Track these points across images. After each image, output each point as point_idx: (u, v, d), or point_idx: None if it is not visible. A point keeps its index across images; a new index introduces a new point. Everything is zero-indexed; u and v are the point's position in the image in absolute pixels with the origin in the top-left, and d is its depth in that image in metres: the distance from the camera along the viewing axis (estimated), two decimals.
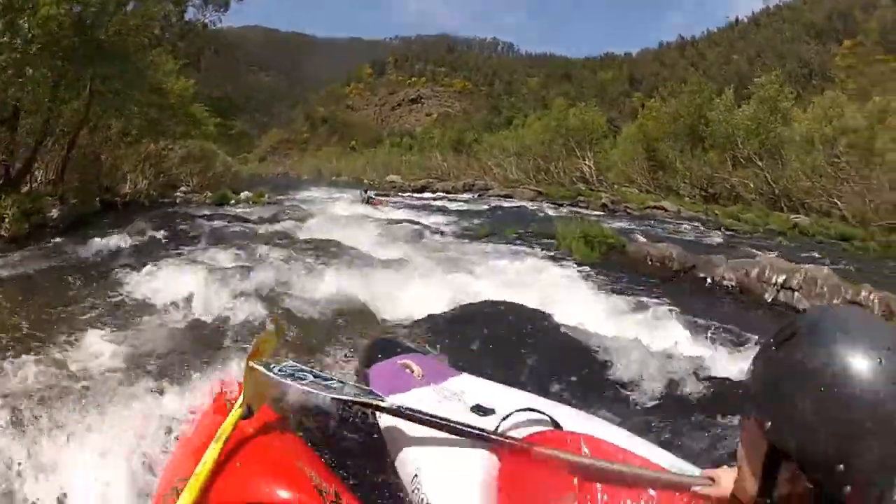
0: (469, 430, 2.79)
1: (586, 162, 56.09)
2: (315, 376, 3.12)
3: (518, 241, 16.09)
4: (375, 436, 3.36)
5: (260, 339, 3.32)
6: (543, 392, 4.17)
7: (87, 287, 8.48)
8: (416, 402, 3.20)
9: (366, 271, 9.60)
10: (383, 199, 35.05)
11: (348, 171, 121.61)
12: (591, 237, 13.60)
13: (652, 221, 27.92)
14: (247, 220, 19.63)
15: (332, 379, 3.17)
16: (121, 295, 8.06)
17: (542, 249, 14.22)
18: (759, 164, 38.71)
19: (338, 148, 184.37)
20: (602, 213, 31.84)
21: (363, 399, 2.99)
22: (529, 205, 35.69)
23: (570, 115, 61.18)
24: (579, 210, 32.29)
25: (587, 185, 52.63)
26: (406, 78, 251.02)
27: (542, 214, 28.35)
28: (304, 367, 3.20)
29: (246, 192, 33.37)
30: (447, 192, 53.22)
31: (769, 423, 1.18)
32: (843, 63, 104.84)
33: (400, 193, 49.90)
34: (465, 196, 47.38)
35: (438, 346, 5.92)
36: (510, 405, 3.09)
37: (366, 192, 36.84)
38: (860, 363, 1.09)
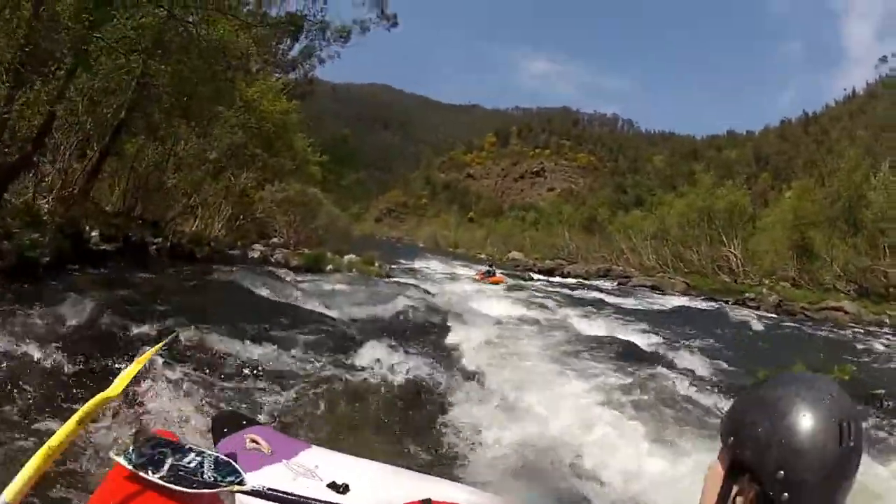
0: None
1: (732, 250, 52.10)
2: (174, 452, 2.62)
3: None
4: None
5: (97, 400, 2.70)
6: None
7: None
8: (270, 480, 2.75)
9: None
10: (502, 276, 34.05)
11: (466, 243, 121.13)
12: None
13: (844, 331, 24.25)
14: (338, 307, 14.30)
15: (192, 452, 2.65)
16: None
17: None
18: None
19: (456, 217, 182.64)
20: (775, 315, 29.29)
21: (223, 488, 2.51)
22: (691, 303, 32.29)
23: (718, 194, 57.65)
24: (748, 310, 29.94)
25: (732, 277, 49.59)
26: (529, 149, 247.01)
27: (734, 322, 24.49)
28: (162, 441, 2.69)
29: (351, 256, 27.85)
30: (580, 278, 50.45)
31: (732, 439, 1.42)
32: None
33: (526, 273, 46.95)
34: (604, 284, 43.93)
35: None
36: (368, 479, 3.10)
37: (491, 266, 36.64)
38: (807, 400, 1.35)
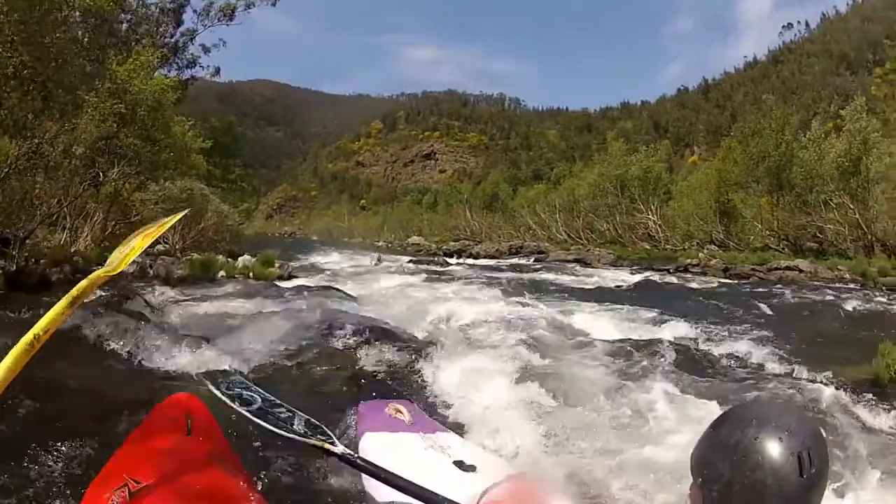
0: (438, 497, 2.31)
1: (651, 216, 50.37)
2: (264, 400, 2.84)
3: None
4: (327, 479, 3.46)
5: (93, 277, 2.50)
6: None
7: None
8: (402, 446, 3.30)
9: None
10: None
11: (362, 232, 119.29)
12: None
13: (811, 291, 21.59)
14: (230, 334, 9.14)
15: (282, 406, 2.83)
16: None
17: None
18: (851, 206, 35.56)
19: (348, 206, 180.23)
20: (729, 279, 27.37)
21: (312, 441, 2.59)
22: (634, 275, 28.98)
23: (632, 161, 56.16)
24: (700, 277, 28.20)
25: (652, 244, 48.22)
26: (419, 133, 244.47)
27: (703, 291, 21.42)
28: (253, 387, 2.96)
29: (246, 258, 22.62)
30: (492, 257, 47.70)
31: (700, 479, 1.51)
32: (880, 92, 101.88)
33: (440, 258, 42.15)
34: (523, 262, 41.00)
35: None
36: (494, 465, 3.24)
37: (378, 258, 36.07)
38: (764, 440, 1.42)
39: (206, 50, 40.36)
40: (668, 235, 48.35)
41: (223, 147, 43.50)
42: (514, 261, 41.98)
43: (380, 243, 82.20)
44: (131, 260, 2.77)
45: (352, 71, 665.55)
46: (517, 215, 72.43)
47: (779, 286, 23.13)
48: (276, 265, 22.20)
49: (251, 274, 19.91)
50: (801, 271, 27.87)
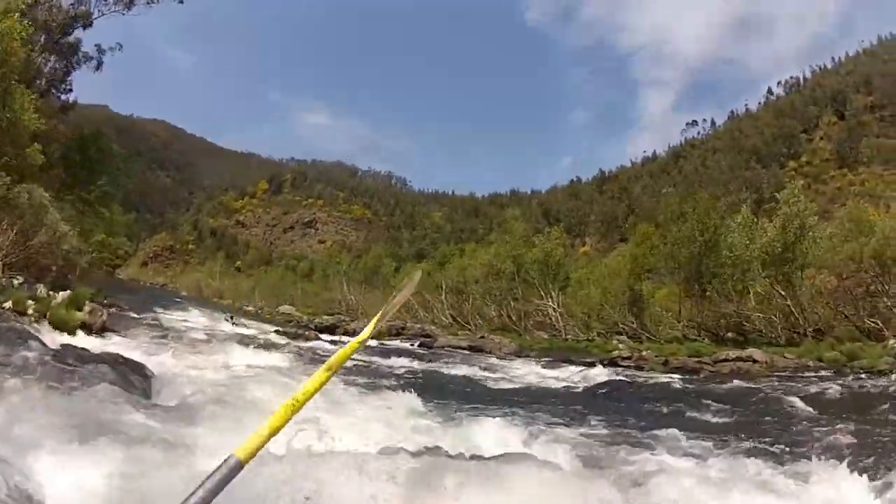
0: None
1: (551, 303, 46.92)
2: None
3: None
4: None
5: (352, 344, 2.48)
6: None
7: None
8: None
9: None
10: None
11: (232, 293, 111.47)
12: None
13: (798, 382, 19.75)
14: None
15: None
16: None
17: None
18: (782, 293, 35.46)
19: (223, 265, 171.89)
20: (678, 374, 23.27)
21: None
22: (559, 370, 24.03)
23: (534, 243, 54.58)
24: (637, 374, 23.92)
25: (552, 333, 44.41)
26: (303, 199, 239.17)
27: (665, 392, 17.45)
28: None
29: (62, 295, 16.99)
30: (372, 337, 40.00)
31: None
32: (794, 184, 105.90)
33: (310, 332, 37.45)
34: (406, 345, 36.02)
35: None
36: None
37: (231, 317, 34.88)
38: None
39: (100, 52, 40.42)
40: (568, 325, 45.13)
41: (86, 160, 38.18)
42: (397, 343, 36.98)
43: (249, 308, 78.23)
44: (377, 325, 2.69)
45: (247, 126, 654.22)
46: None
47: (750, 380, 20.67)
48: (87, 309, 15.99)
49: (47, 315, 14.30)
50: (754, 361, 25.27)
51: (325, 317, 56.70)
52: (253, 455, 1.71)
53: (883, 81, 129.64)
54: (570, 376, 21.44)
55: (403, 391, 11.41)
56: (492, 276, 54.19)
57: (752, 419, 12.07)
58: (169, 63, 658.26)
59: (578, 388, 18.24)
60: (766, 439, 9.63)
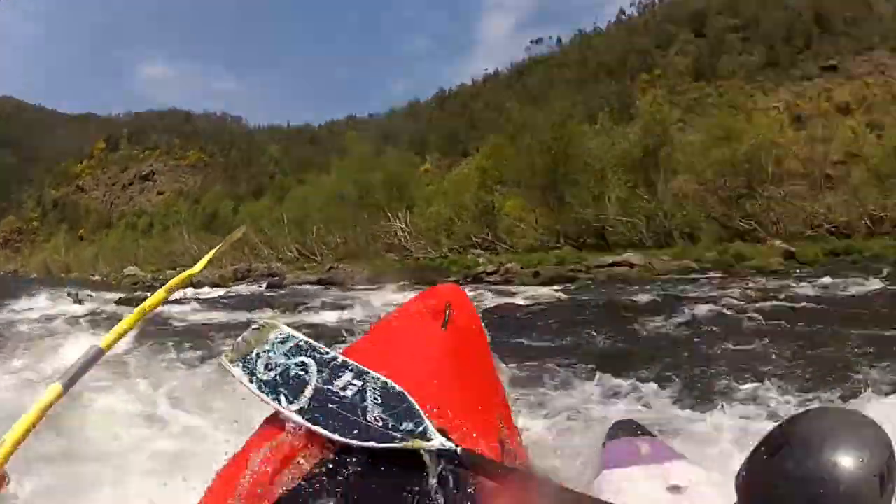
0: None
1: (398, 223, 45.32)
2: (318, 359, 2.20)
3: None
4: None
5: (184, 276, 2.71)
6: None
7: None
8: (626, 478, 2.99)
9: None
10: None
11: (78, 266, 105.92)
12: None
13: (691, 286, 19.22)
14: None
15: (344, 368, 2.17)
16: None
17: None
18: (646, 197, 36.07)
19: (66, 237, 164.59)
20: (545, 286, 21.92)
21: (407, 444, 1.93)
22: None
23: (381, 162, 52.99)
24: (510, 288, 22.14)
25: (403, 255, 42.82)
26: (140, 152, 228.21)
27: (543, 304, 16.07)
28: (300, 337, 2.31)
29: None
30: (215, 285, 37.33)
31: None
32: (646, 97, 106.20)
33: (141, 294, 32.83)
34: (255, 288, 33.33)
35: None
36: (710, 489, 2.82)
37: (76, 295, 31.03)
38: (845, 466, 1.24)
39: None
40: (418, 244, 43.76)
41: None
42: (243, 288, 34.20)
43: (95, 277, 73.79)
44: (207, 262, 2.74)
45: (85, 87, 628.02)
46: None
47: (640, 286, 19.53)
48: None
49: None
50: (632, 266, 24.68)
51: (169, 271, 53.16)
52: (111, 346, 1.95)
53: (747, 6, 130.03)
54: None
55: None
56: (335, 202, 52.57)
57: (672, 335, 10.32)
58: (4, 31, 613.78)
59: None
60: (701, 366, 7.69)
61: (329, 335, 12.08)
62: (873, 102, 79.53)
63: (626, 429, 3.61)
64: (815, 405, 5.47)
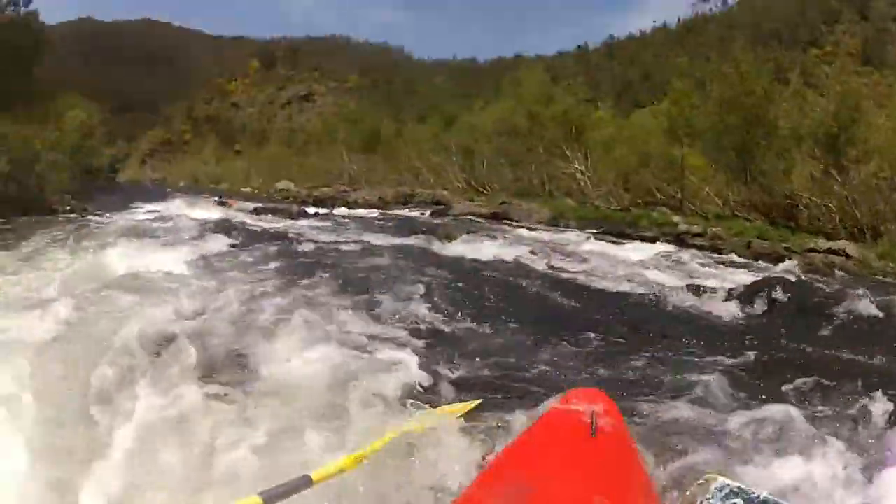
0: None
1: (578, 166, 42.03)
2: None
3: None
4: None
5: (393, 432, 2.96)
6: None
7: None
8: None
9: None
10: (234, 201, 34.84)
11: (230, 177, 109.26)
12: None
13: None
14: None
15: None
16: None
17: None
18: (839, 178, 30.20)
19: (218, 150, 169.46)
20: (759, 261, 19.83)
21: None
22: (628, 249, 19.04)
23: (555, 95, 49.23)
24: (724, 257, 19.95)
25: (580, 200, 38.97)
26: (297, 74, 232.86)
27: (785, 284, 10.34)
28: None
29: None
30: (374, 207, 38.49)
31: None
32: (819, 72, 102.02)
33: (298, 207, 33.65)
34: (416, 214, 32.24)
35: None
36: None
37: (221, 197, 38.35)
38: None
39: None
40: (598, 191, 40.46)
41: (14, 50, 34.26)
42: (405, 212, 33.02)
43: (246, 189, 75.97)
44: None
45: (236, 8, 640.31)
46: (403, 158, 64.79)
47: (864, 283, 14.93)
48: None
49: None
50: (848, 257, 20.95)
51: (324, 189, 53.92)
52: (322, 479, 2.07)
53: None
54: (660, 261, 16.18)
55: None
56: (505, 133, 49.79)
57: None
58: None
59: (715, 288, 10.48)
60: None
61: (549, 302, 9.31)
62: None
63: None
64: None
